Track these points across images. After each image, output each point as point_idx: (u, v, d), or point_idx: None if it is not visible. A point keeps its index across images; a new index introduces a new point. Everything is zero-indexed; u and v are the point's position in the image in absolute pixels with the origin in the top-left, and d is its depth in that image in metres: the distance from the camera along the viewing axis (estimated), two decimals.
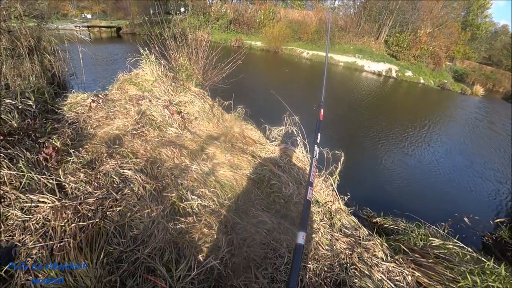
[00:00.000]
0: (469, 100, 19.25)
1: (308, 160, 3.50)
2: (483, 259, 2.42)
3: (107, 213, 1.96)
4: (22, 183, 2.01)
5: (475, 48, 36.61)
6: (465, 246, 2.61)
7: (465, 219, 4.09)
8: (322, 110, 1.56)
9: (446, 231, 3.15)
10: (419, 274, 2.23)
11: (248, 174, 2.95)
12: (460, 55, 34.12)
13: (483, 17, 36.70)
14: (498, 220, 4.46)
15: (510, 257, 3.53)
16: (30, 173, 2.10)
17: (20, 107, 3.00)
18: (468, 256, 2.49)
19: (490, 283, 2.09)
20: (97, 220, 1.86)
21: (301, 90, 12.16)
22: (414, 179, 5.72)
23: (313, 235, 2.33)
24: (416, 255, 2.49)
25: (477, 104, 18.25)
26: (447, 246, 2.61)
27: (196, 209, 2.24)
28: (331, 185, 3.16)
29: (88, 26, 25.10)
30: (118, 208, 2.01)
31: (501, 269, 2.24)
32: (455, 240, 2.71)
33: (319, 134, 1.42)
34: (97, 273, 1.56)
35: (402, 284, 2.06)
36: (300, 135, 3.76)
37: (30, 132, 2.62)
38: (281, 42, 25.64)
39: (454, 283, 2.10)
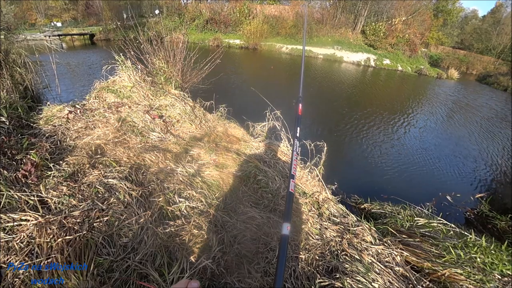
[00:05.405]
0: (445, 84, 19.92)
1: None
2: (465, 233, 2.54)
3: (94, 224, 1.93)
4: (2, 203, 1.94)
5: (447, 34, 37.94)
6: (448, 223, 2.73)
7: (448, 197, 4.25)
8: (300, 105, 1.60)
9: (430, 211, 3.29)
10: (407, 254, 2.33)
11: (234, 172, 2.96)
12: (434, 41, 35.31)
13: (452, 3, 38.00)
14: (478, 195, 4.66)
15: (491, 229, 3.71)
16: (9, 191, 2.03)
17: None
18: (452, 232, 2.59)
19: (472, 255, 2.20)
20: (84, 232, 1.82)
21: (282, 85, 12.25)
22: (398, 163, 5.89)
23: (303, 226, 2.38)
24: (403, 236, 2.59)
25: (453, 87, 18.92)
26: (431, 224, 2.73)
27: (185, 211, 2.23)
28: (317, 176, 3.23)
29: (59, 35, 24.14)
30: (105, 218, 1.98)
31: (482, 241, 2.36)
32: (439, 218, 2.83)
33: (298, 128, 1.46)
34: (88, 285, 1.54)
35: (391, 265, 2.14)
36: (283, 129, 3.80)
37: (6, 149, 2.52)
38: (260, 39, 25.62)
39: (440, 258, 2.21)
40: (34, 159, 2.43)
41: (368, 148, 6.53)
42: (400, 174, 5.44)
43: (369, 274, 1.93)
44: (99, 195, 2.20)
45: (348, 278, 1.85)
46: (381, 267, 2.07)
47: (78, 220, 1.91)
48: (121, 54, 4.65)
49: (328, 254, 2.13)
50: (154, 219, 2.08)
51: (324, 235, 2.34)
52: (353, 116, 8.74)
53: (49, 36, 21.53)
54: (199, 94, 5.36)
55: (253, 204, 2.60)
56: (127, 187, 2.30)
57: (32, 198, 2.04)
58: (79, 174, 2.45)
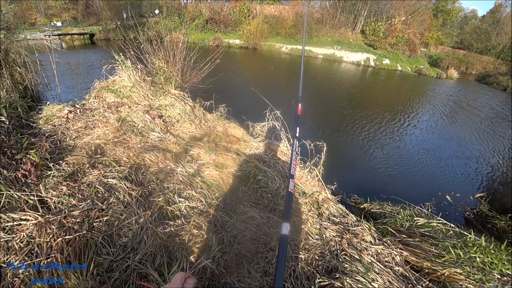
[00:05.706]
0: (445, 84, 19.90)
1: None
2: (465, 233, 2.54)
3: (94, 224, 1.93)
4: (1, 202, 1.94)
5: (447, 33, 37.92)
6: (448, 223, 2.73)
7: (447, 197, 4.25)
8: (300, 105, 1.61)
9: (430, 210, 3.29)
10: (406, 254, 2.33)
11: (234, 172, 2.96)
12: (433, 41, 35.28)
13: (452, 3, 38.02)
14: (478, 195, 4.65)
15: (490, 228, 3.71)
16: (9, 191, 2.03)
17: None
18: (451, 232, 2.59)
19: (472, 254, 2.20)
20: (84, 232, 1.83)
21: (282, 84, 12.23)
22: (398, 163, 5.88)
23: (302, 226, 2.38)
24: (403, 236, 2.59)
25: (453, 87, 18.91)
26: (431, 224, 2.73)
27: (184, 211, 2.23)
28: (316, 176, 3.23)
29: (59, 34, 24.12)
30: (105, 218, 1.98)
31: (482, 241, 2.36)
32: (439, 218, 2.83)
33: (298, 128, 1.46)
34: (88, 285, 1.54)
35: (391, 265, 2.14)
36: (283, 129, 3.80)
37: (5, 149, 2.52)
38: (259, 38, 25.59)
39: (439, 258, 2.20)
40: (34, 158, 2.43)
41: (368, 148, 6.52)
42: (400, 174, 5.43)
43: (369, 273, 1.93)
44: (99, 195, 2.20)
45: (347, 278, 1.85)
46: (380, 267, 2.07)
47: (77, 220, 1.91)
48: (121, 53, 4.65)
49: (328, 254, 2.13)
50: (154, 219, 2.08)
51: (323, 235, 2.34)
52: (353, 116, 8.73)
53: (49, 35, 21.51)
54: (199, 94, 5.36)
55: (253, 204, 2.60)
56: (127, 187, 2.30)
57: (31, 197, 2.04)
58: (79, 174, 2.45)
